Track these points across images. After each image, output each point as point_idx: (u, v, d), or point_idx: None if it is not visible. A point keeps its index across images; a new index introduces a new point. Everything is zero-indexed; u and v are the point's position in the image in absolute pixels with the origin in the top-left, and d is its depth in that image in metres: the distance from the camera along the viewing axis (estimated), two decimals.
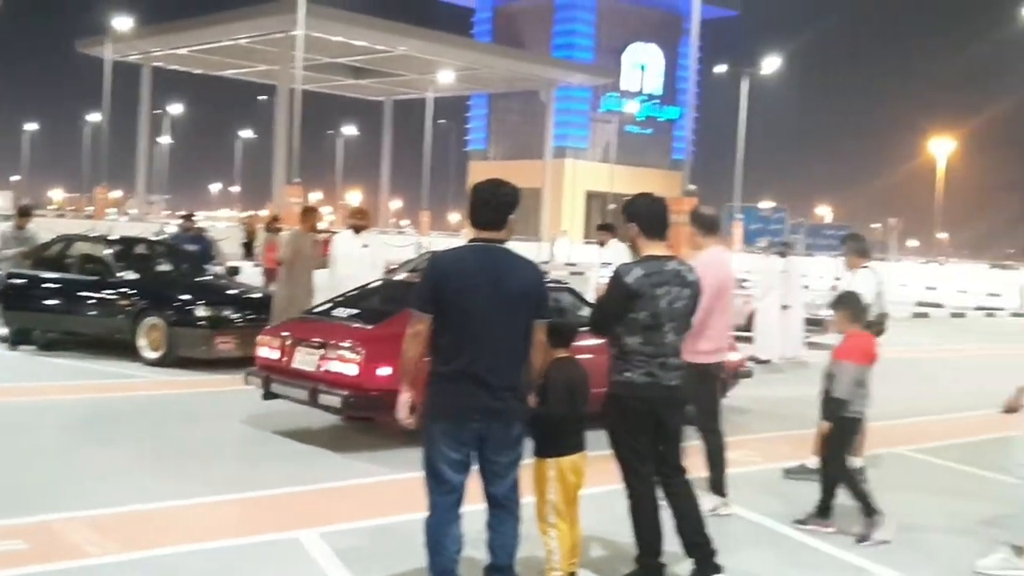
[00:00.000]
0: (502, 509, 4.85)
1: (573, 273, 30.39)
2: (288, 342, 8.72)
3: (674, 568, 5.45)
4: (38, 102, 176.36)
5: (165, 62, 61.27)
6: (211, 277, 14.34)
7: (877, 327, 8.12)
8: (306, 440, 8.65)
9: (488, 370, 4.66)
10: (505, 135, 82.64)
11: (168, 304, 12.37)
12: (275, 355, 8.81)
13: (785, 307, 15.06)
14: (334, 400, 8.05)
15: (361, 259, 12.01)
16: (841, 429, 6.62)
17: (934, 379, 15.29)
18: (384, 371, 7.78)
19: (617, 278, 5.30)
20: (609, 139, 72.89)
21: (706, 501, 6.28)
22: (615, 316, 5.31)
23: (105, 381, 11.33)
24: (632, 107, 76.40)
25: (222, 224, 56.36)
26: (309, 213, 12.53)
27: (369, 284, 10.33)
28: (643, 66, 79.56)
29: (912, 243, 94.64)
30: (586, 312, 8.23)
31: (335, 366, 8.14)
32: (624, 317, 5.26)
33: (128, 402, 10.39)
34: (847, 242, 8.65)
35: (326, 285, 12.04)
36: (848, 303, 6.98)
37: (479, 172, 68.03)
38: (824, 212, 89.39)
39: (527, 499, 5.01)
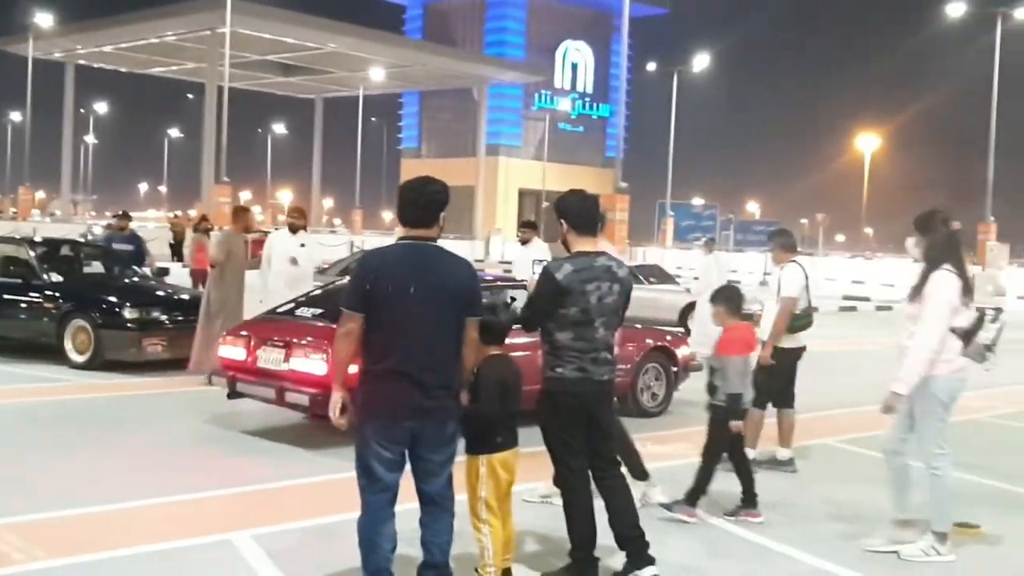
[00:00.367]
0: (436, 506, 4.85)
1: (507, 271, 30.40)
2: (253, 342, 8.71)
3: (607, 561, 5.49)
4: None
5: (89, 60, 60.24)
6: (139, 278, 14.13)
7: (805, 320, 8.27)
8: (240, 443, 8.58)
9: (420, 368, 4.66)
10: (438, 133, 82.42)
11: (95, 306, 12.17)
12: (240, 355, 8.78)
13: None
14: (302, 398, 8.04)
15: (296, 259, 11.94)
16: (720, 420, 6.69)
17: (860, 371, 15.55)
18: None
19: (547, 274, 5.33)
20: (542, 137, 73.08)
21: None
22: (545, 312, 5.34)
23: (30, 385, 11.11)
24: (565, 105, 76.68)
25: (150, 225, 55.51)
26: (241, 213, 12.40)
27: (331, 284, 10.26)
28: (575, 64, 79.86)
29: (839, 238, 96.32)
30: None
31: (302, 364, 8.11)
32: (555, 313, 5.29)
33: (54, 406, 10.21)
34: (775, 237, 8.76)
35: (257, 285, 11.93)
36: (726, 297, 7.04)
37: (412, 170, 67.62)
38: (754, 208, 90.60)
39: (460, 496, 5.02)
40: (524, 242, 12.99)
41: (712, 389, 6.79)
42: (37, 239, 15.22)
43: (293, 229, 12.04)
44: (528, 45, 77.63)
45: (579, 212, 5.50)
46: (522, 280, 10.10)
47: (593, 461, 5.49)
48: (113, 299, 12.33)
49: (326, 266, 17.36)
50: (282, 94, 74.26)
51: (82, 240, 19.80)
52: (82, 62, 60.08)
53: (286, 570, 5.47)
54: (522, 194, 74.87)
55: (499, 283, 9.90)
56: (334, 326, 8.34)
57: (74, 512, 6.42)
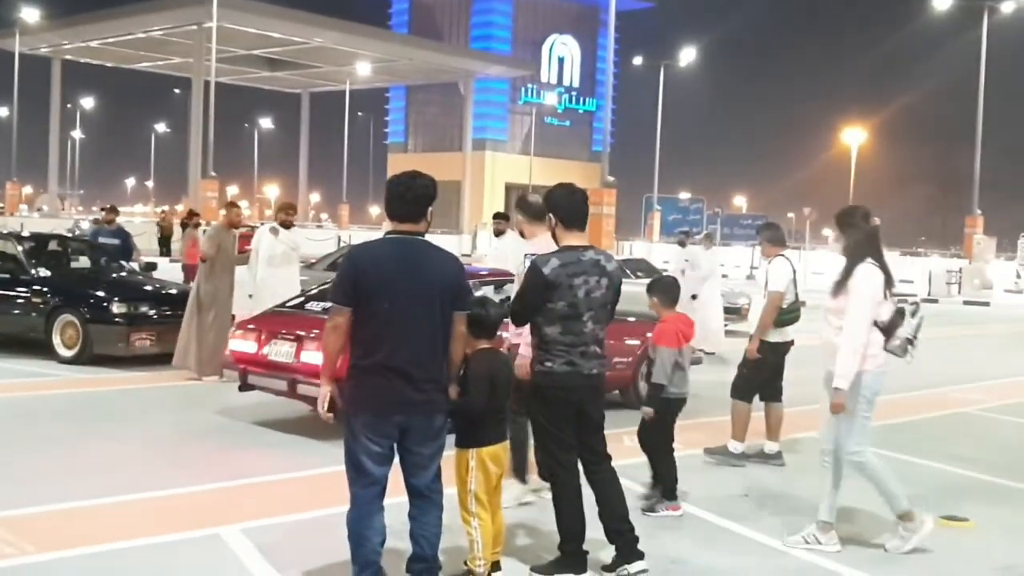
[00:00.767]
0: (424, 500, 4.87)
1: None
2: (264, 335, 8.76)
3: (597, 555, 5.51)
4: None
5: (76, 55, 59.99)
6: (127, 273, 14.11)
7: (793, 315, 8.30)
8: (229, 437, 8.58)
9: (409, 362, 4.67)
10: (424, 127, 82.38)
11: (83, 301, 12.17)
12: (251, 348, 8.83)
13: (693, 296, 15.18)
14: (314, 390, 8.03)
15: (286, 254, 11.96)
16: (664, 411, 6.72)
17: None
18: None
19: (534, 269, 5.35)
20: (528, 131, 73.06)
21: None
22: (533, 307, 5.36)
23: (18, 380, 11.08)
24: (551, 99, 76.67)
25: (138, 220, 55.32)
26: (227, 208, 12.38)
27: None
28: (561, 58, 79.88)
29: (827, 232, 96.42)
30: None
31: (314, 357, 8.13)
32: (542, 307, 5.31)
33: (42, 401, 10.19)
34: (762, 231, 8.79)
35: (245, 280, 11.93)
36: (662, 288, 7.03)
37: (399, 165, 67.44)
38: (741, 202, 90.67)
39: (449, 489, 5.04)
40: (498, 233, 12.95)
41: (647, 379, 6.83)
42: (25, 234, 15.16)
43: (286, 225, 12.03)
44: (514, 39, 77.65)
45: (567, 206, 5.51)
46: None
47: (583, 455, 5.51)
48: (101, 294, 12.33)
49: (314, 261, 17.33)
50: (269, 89, 74.04)
51: (70, 235, 19.72)
52: (69, 57, 59.84)
53: (275, 564, 5.47)
54: (509, 188, 74.86)
55: (491, 277, 9.90)
56: None
57: (63, 506, 6.41)
